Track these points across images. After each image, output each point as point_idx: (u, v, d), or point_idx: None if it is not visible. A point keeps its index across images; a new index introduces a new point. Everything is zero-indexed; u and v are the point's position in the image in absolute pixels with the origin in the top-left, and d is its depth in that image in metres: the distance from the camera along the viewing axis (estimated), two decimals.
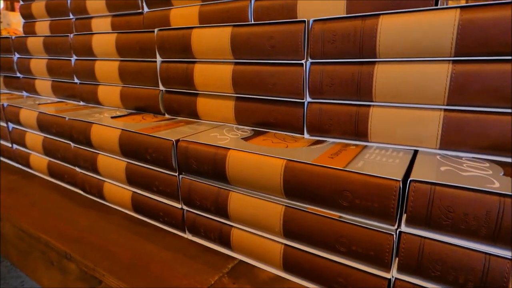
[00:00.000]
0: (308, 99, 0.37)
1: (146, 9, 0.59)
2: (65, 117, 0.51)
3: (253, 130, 0.42)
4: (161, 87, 0.50)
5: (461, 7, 0.28)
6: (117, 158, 0.45)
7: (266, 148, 0.34)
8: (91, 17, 0.68)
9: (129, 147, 0.43)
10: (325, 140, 0.37)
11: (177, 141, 0.38)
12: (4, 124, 0.65)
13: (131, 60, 0.53)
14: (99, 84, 0.59)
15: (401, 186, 0.25)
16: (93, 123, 0.46)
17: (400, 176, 0.26)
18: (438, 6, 0.29)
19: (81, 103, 0.64)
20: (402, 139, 0.33)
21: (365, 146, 0.34)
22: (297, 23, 0.36)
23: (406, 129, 0.32)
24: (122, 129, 0.43)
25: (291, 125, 0.39)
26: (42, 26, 0.78)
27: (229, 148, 0.34)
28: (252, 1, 0.46)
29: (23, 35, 0.71)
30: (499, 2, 0.27)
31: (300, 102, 0.38)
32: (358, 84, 0.34)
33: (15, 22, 2.62)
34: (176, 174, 0.39)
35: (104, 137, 0.45)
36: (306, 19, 0.35)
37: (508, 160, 0.29)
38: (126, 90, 0.55)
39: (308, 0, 0.42)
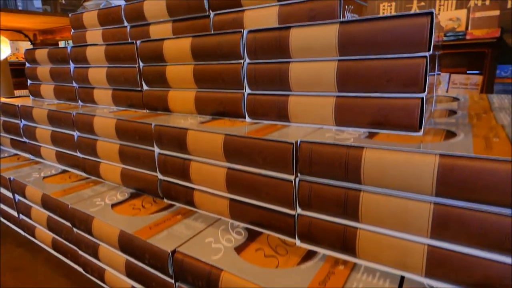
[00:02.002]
0: (299, 211, 0.38)
1: (145, 87, 0.61)
2: (68, 204, 0.52)
3: (247, 230, 0.43)
4: (159, 176, 0.51)
5: (440, 154, 0.29)
6: (117, 253, 0.47)
7: (256, 270, 0.35)
8: (93, 88, 0.70)
9: (128, 248, 0.44)
10: (316, 252, 0.38)
11: (173, 251, 0.39)
12: (10, 196, 0.67)
13: (130, 145, 0.54)
14: (101, 162, 0.61)
15: None
16: (94, 217, 0.48)
17: None
18: (420, 150, 0.30)
19: (84, 174, 0.66)
20: (389, 261, 0.34)
21: (354, 266, 0.35)
22: (286, 143, 0.37)
23: (393, 254, 0.33)
24: (121, 230, 0.44)
25: (283, 230, 0.40)
26: (47, 89, 0.81)
27: (222, 269, 0.35)
28: (245, 95, 0.48)
29: (29, 104, 0.73)
30: (476, 156, 0.28)
31: (291, 213, 0.39)
32: (345, 205, 0.35)
33: (24, 47, 2.68)
34: (173, 281, 0.40)
35: (104, 233, 0.47)
36: (294, 141, 0.36)
37: None
38: (127, 171, 0.56)
39: (299, 99, 0.43)
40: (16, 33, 1.50)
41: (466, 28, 2.05)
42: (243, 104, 0.48)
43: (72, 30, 0.83)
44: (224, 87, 0.50)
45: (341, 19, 0.39)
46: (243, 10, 0.53)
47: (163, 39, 0.55)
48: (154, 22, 0.65)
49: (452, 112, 0.48)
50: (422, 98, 0.35)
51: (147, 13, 0.64)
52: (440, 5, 2.31)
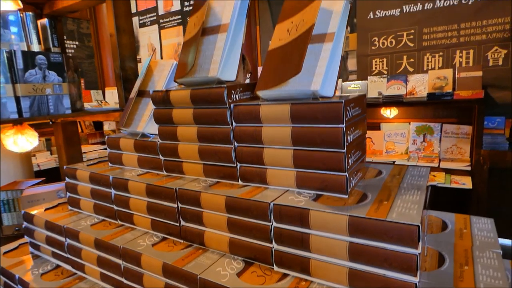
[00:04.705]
0: None
1: (183, 222, 0.71)
2: None
3: None
4: None
5: None
6: None
7: None
8: (133, 213, 0.81)
9: None
10: None
11: None
12: None
13: (175, 285, 0.64)
14: None
15: None
16: None
17: None
18: None
19: None
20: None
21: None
22: None
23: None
24: None
25: None
26: (87, 205, 0.92)
27: None
28: (273, 250, 0.59)
29: (76, 228, 0.84)
30: None
31: None
32: None
33: None
34: None
35: None
36: None
37: None
38: None
39: (319, 262, 0.54)
40: None
41: (453, 87, 2.21)
42: (272, 255, 0.59)
43: (108, 150, 0.95)
44: (254, 239, 0.61)
45: (350, 213, 0.51)
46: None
47: (200, 192, 0.67)
48: (188, 161, 0.76)
49: (441, 258, 0.59)
50: (416, 284, 0.46)
51: (181, 153, 0.76)
52: (427, 62, 2.50)
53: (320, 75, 0.57)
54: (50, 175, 2.56)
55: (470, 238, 0.64)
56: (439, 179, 2.18)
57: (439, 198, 2.25)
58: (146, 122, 0.87)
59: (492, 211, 2.11)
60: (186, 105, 0.72)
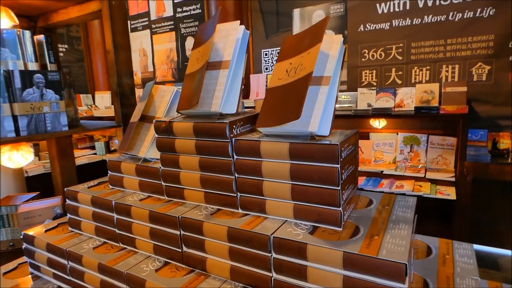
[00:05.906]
0: None
1: (185, 249, 0.75)
2: None
3: None
4: None
5: None
6: None
7: None
8: (135, 238, 0.84)
9: None
10: None
11: None
12: None
13: None
14: None
15: None
16: None
17: None
18: None
19: None
20: None
21: None
22: None
23: None
24: None
25: None
26: (88, 227, 0.94)
27: None
28: (272, 279, 0.63)
29: (78, 252, 0.86)
30: None
31: None
32: None
33: None
34: None
35: None
36: None
37: None
38: None
39: None
40: None
41: (439, 101, 2.30)
42: (271, 284, 0.63)
43: (109, 172, 0.98)
44: (254, 267, 0.65)
45: (344, 249, 0.55)
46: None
47: (202, 221, 0.70)
48: (189, 188, 0.80)
49: (425, 285, 0.64)
50: None
51: (182, 181, 0.80)
52: (415, 75, 2.58)
53: (317, 117, 0.62)
54: (40, 183, 2.54)
55: (452, 265, 0.69)
56: (425, 190, 2.26)
57: (425, 209, 2.32)
58: (147, 148, 0.90)
59: (474, 221, 2.19)
60: (188, 136, 0.76)
